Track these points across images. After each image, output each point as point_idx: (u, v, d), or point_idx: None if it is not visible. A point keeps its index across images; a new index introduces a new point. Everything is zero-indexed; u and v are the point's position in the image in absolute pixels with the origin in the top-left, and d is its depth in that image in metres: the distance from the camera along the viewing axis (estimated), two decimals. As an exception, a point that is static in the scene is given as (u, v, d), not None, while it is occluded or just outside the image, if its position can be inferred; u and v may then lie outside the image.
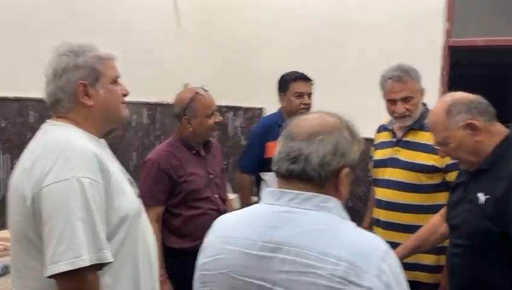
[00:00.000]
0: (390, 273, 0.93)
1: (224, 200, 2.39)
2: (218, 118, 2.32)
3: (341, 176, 1.04)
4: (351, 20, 3.44)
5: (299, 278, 0.93)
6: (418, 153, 2.15)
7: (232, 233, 1.06)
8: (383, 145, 2.33)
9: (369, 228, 2.40)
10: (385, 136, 2.35)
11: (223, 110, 4.05)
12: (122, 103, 1.49)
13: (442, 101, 1.58)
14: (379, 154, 2.33)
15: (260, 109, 3.73)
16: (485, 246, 1.43)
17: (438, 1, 3.25)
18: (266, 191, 1.09)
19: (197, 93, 2.26)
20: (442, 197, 2.01)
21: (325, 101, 3.04)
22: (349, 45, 3.47)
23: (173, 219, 2.21)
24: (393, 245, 2.18)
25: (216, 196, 2.30)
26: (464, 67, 4.40)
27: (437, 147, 1.60)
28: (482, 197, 1.46)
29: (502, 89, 5.51)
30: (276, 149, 1.08)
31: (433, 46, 3.25)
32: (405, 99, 2.15)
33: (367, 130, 3.27)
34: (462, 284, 1.48)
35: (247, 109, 3.80)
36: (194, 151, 2.28)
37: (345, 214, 1.04)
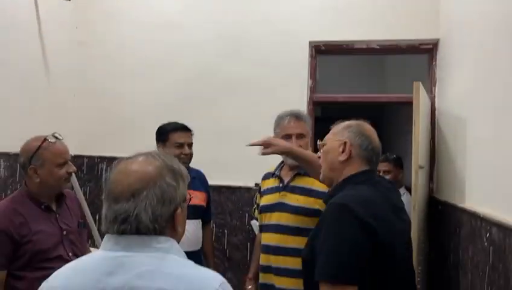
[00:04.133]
0: None
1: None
2: (72, 168, 2.09)
3: (175, 217, 1.04)
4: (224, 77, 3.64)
5: None
6: (304, 197, 2.15)
7: (64, 282, 1.00)
8: (270, 190, 2.30)
9: (257, 277, 2.33)
10: (272, 183, 2.32)
11: (96, 160, 3.82)
12: None
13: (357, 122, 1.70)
14: (266, 200, 2.29)
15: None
16: (308, 273, 1.46)
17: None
18: (104, 238, 1.03)
19: (46, 140, 2.02)
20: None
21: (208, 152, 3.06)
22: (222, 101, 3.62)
23: (16, 282, 1.91)
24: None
25: (70, 253, 2.04)
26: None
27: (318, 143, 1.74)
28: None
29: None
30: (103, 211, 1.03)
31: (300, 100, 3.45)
32: (299, 136, 2.22)
33: (249, 180, 3.33)
34: None
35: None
36: (43, 207, 2.03)
37: (181, 252, 1.04)
